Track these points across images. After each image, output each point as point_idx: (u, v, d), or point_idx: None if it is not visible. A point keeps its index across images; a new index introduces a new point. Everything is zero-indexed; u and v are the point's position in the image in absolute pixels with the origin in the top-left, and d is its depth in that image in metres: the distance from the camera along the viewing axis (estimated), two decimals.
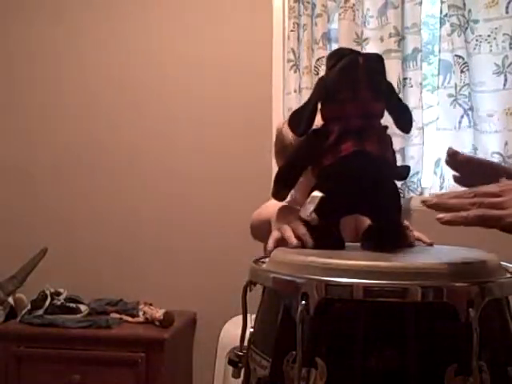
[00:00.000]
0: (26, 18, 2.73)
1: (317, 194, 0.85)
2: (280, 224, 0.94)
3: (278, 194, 0.92)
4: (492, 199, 0.71)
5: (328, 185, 0.83)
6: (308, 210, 0.86)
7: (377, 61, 0.83)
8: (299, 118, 0.85)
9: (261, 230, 1.25)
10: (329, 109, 0.84)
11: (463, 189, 0.76)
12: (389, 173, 0.84)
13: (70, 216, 2.68)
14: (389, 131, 0.85)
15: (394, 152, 0.85)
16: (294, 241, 0.85)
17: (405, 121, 0.88)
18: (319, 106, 0.85)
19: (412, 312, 0.66)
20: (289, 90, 2.43)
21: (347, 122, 0.81)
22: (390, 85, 0.86)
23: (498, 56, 2.26)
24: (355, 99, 0.81)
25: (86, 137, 2.68)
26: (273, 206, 1.20)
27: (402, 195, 2.20)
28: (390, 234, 0.84)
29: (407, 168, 0.88)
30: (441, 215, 0.69)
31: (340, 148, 0.81)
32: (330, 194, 0.83)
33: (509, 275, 0.74)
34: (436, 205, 0.71)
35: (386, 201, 0.83)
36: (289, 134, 1.28)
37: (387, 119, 0.86)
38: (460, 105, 2.28)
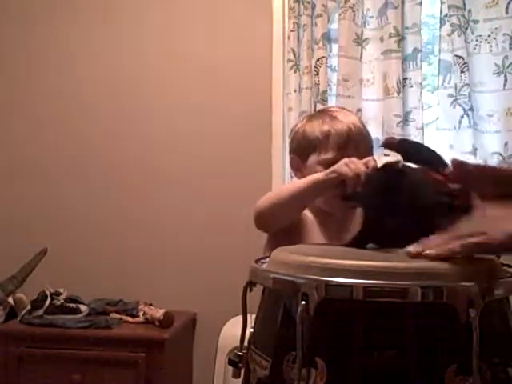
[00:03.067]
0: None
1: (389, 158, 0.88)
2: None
3: None
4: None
5: None
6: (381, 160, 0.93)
7: None
8: None
9: (289, 207, 1.19)
10: None
11: None
12: None
13: (69, 216, 2.67)
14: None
15: None
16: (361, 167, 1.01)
17: None
18: None
19: (412, 312, 0.66)
20: (289, 90, 2.43)
21: None
22: None
23: (497, 56, 2.26)
24: None
25: (87, 137, 2.67)
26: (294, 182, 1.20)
27: None
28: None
29: None
30: (428, 251, 0.71)
31: None
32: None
33: (509, 275, 0.74)
34: (424, 255, 0.72)
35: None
36: (315, 131, 1.29)
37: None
38: (460, 105, 2.28)
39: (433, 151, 0.88)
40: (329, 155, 1.24)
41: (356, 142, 1.24)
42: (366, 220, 0.86)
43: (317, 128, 1.29)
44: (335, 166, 1.09)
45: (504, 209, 0.72)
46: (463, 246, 0.69)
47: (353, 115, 1.36)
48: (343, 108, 1.52)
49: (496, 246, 0.68)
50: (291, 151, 1.38)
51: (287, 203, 1.17)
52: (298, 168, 1.34)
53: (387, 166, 0.89)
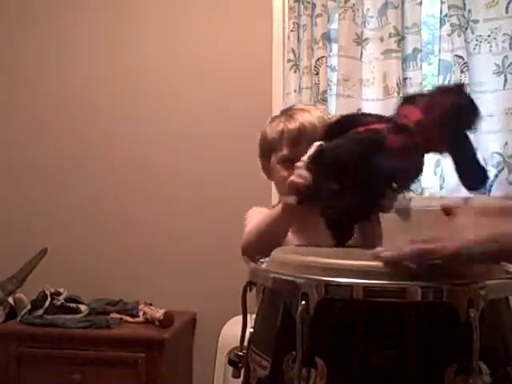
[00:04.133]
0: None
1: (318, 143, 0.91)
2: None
3: None
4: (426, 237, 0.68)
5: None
6: (306, 156, 0.95)
7: None
8: None
9: (276, 230, 1.18)
10: None
11: None
12: None
13: (69, 216, 2.67)
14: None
15: None
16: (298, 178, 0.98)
17: None
18: None
19: (412, 312, 0.66)
20: (289, 90, 2.43)
21: None
22: None
23: (497, 56, 2.26)
24: None
25: (87, 137, 2.68)
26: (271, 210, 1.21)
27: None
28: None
29: None
30: (384, 254, 0.69)
31: None
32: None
33: (509, 275, 0.74)
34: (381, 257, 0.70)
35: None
36: (273, 132, 1.33)
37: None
38: None
39: (351, 114, 0.90)
40: (283, 152, 1.28)
41: (309, 139, 1.21)
42: (324, 214, 0.87)
43: (274, 129, 1.33)
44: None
45: (474, 218, 0.70)
46: (412, 250, 0.66)
47: (313, 113, 1.32)
48: (309, 106, 1.52)
49: (445, 255, 0.65)
50: (259, 155, 1.42)
51: (267, 239, 1.16)
52: (267, 170, 1.38)
53: (311, 155, 0.93)
